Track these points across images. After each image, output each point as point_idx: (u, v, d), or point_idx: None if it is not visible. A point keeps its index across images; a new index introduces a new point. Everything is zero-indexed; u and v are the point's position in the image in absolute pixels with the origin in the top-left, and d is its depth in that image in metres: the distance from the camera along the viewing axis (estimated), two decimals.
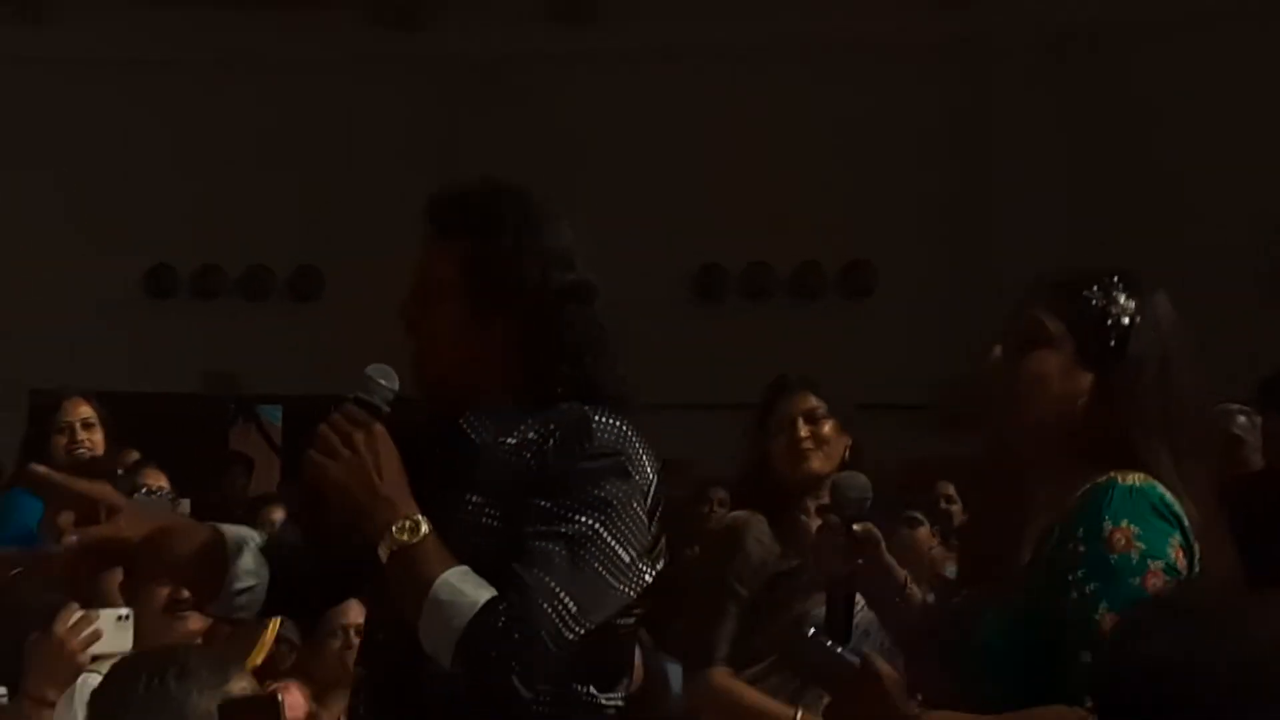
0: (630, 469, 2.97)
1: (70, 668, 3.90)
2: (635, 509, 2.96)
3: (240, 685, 2.92)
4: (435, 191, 3.14)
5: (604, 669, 3.03)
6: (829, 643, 2.89)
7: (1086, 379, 2.89)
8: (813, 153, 11.75)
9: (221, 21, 12.02)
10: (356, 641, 4.18)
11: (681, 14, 11.88)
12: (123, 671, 2.96)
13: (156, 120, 11.97)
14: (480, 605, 2.83)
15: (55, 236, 11.61)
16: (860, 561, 3.25)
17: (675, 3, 11.93)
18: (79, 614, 3.91)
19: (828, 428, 4.51)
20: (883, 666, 2.81)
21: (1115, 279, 2.92)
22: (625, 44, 12.05)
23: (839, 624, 3.21)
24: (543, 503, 2.91)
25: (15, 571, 4.79)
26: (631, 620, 3.07)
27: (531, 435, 2.99)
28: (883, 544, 3.29)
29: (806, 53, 11.79)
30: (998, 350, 2.95)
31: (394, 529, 2.89)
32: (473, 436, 3.05)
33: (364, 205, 11.93)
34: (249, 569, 3.13)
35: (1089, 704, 2.60)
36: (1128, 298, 2.91)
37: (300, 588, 3.24)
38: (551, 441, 2.97)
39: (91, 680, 4.11)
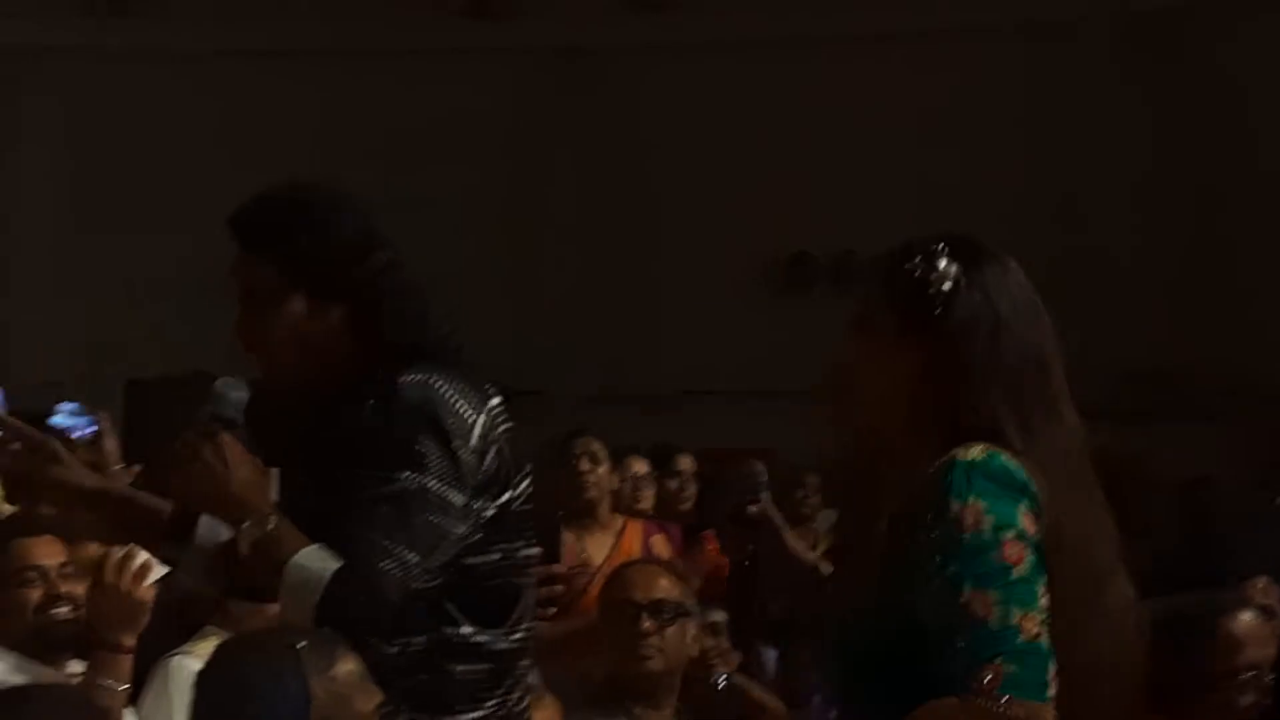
0: (442, 414, 3.19)
1: (135, 605, 4.10)
2: (456, 452, 3.19)
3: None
4: (238, 208, 3.39)
5: (475, 609, 3.25)
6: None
7: (915, 352, 2.82)
8: (896, 140, 11.63)
9: (302, 11, 12.01)
10: None
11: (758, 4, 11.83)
12: (230, 656, 3.10)
13: (250, 110, 12.01)
14: (327, 579, 3.10)
15: None
16: (753, 547, 3.23)
17: None
18: (121, 552, 4.10)
19: None
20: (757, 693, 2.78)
21: (941, 246, 2.85)
22: (703, 34, 11.98)
23: (741, 610, 3.19)
24: (365, 469, 3.16)
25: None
26: (496, 556, 3.27)
27: (354, 410, 3.24)
28: (783, 528, 3.26)
29: (886, 42, 11.71)
30: (835, 349, 2.91)
31: (244, 526, 3.19)
32: (314, 422, 3.34)
33: (444, 195, 11.91)
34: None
35: (975, 687, 2.61)
36: (949, 263, 2.83)
37: None
38: (366, 412, 3.22)
39: (188, 664, 4.30)
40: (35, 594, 4.43)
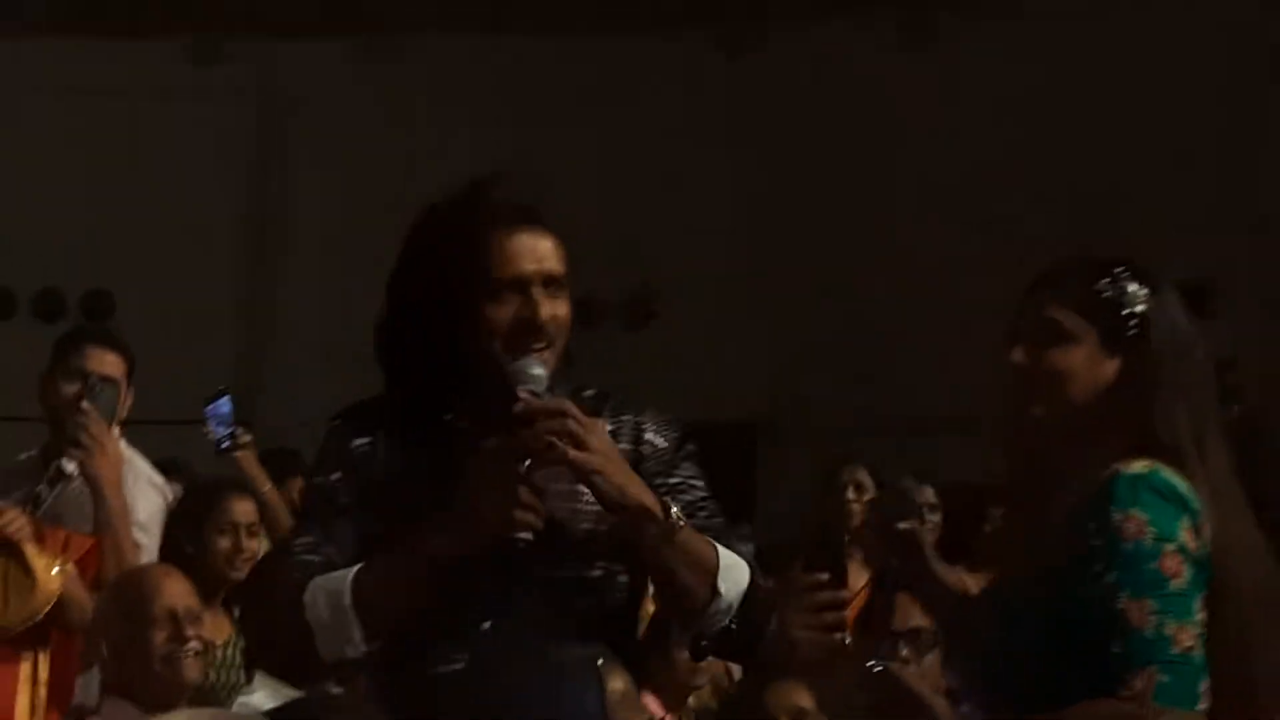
0: None
1: None
2: None
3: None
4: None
5: None
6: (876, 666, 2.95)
7: (1112, 367, 2.98)
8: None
9: (562, 52, 12.26)
10: None
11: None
12: None
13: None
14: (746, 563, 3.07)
15: None
16: (899, 561, 3.30)
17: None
18: None
19: None
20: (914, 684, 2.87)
21: (1123, 270, 3.01)
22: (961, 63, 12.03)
23: (879, 620, 3.27)
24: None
25: None
26: None
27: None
28: (926, 545, 3.33)
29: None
30: (1018, 352, 3.00)
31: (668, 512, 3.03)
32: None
33: (689, 227, 12.04)
34: None
35: (1124, 692, 2.73)
36: (1139, 286, 3.00)
37: None
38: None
39: None
40: (161, 636, 4.47)
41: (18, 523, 4.79)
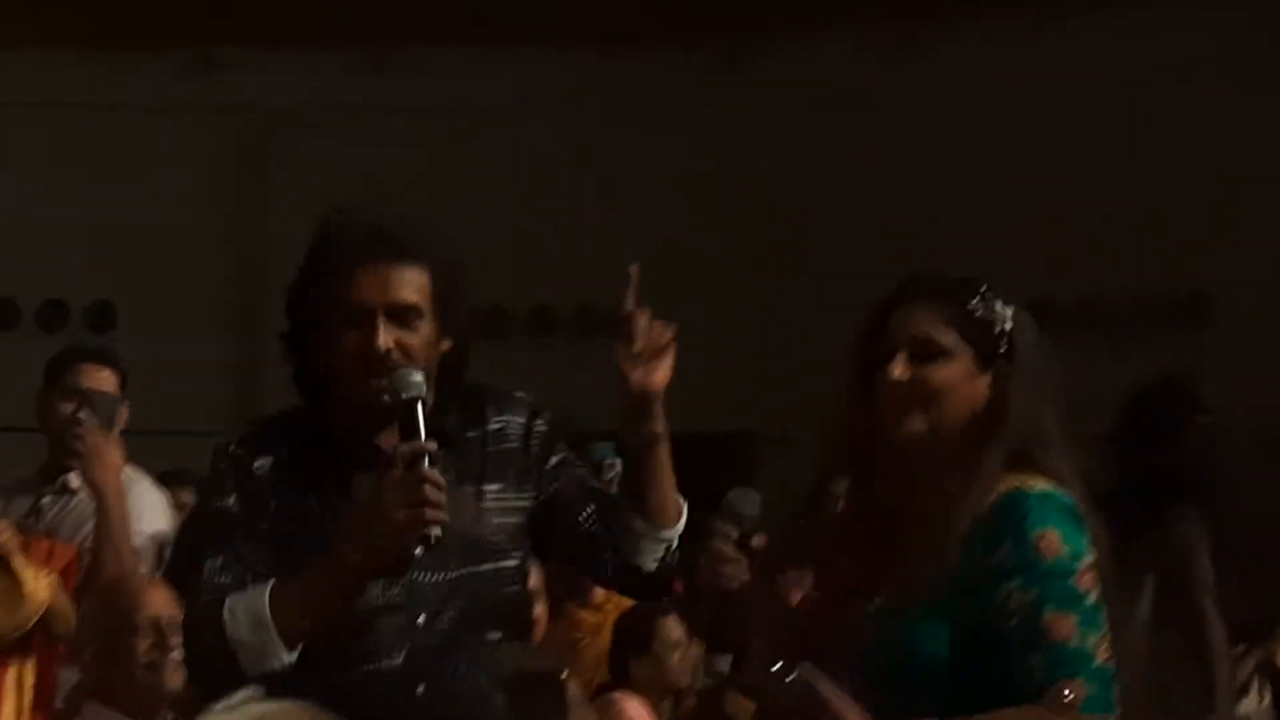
0: None
1: None
2: None
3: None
4: (377, 222, 3.50)
5: None
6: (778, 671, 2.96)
7: (983, 384, 3.07)
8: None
9: (554, 67, 12.27)
10: None
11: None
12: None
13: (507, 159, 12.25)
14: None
15: None
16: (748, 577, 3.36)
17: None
18: None
19: None
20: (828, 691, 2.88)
21: (987, 288, 3.11)
22: (956, 77, 12.03)
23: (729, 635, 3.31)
24: (576, 468, 3.72)
25: None
26: None
27: (501, 423, 3.55)
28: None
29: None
30: (898, 367, 3.06)
31: None
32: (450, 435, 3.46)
33: (700, 240, 12.07)
34: None
35: (1055, 704, 2.82)
36: (1003, 304, 3.10)
37: None
38: (528, 421, 3.63)
39: None
40: (145, 644, 4.51)
41: (5, 535, 4.83)
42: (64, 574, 5.04)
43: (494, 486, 3.46)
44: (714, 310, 12.03)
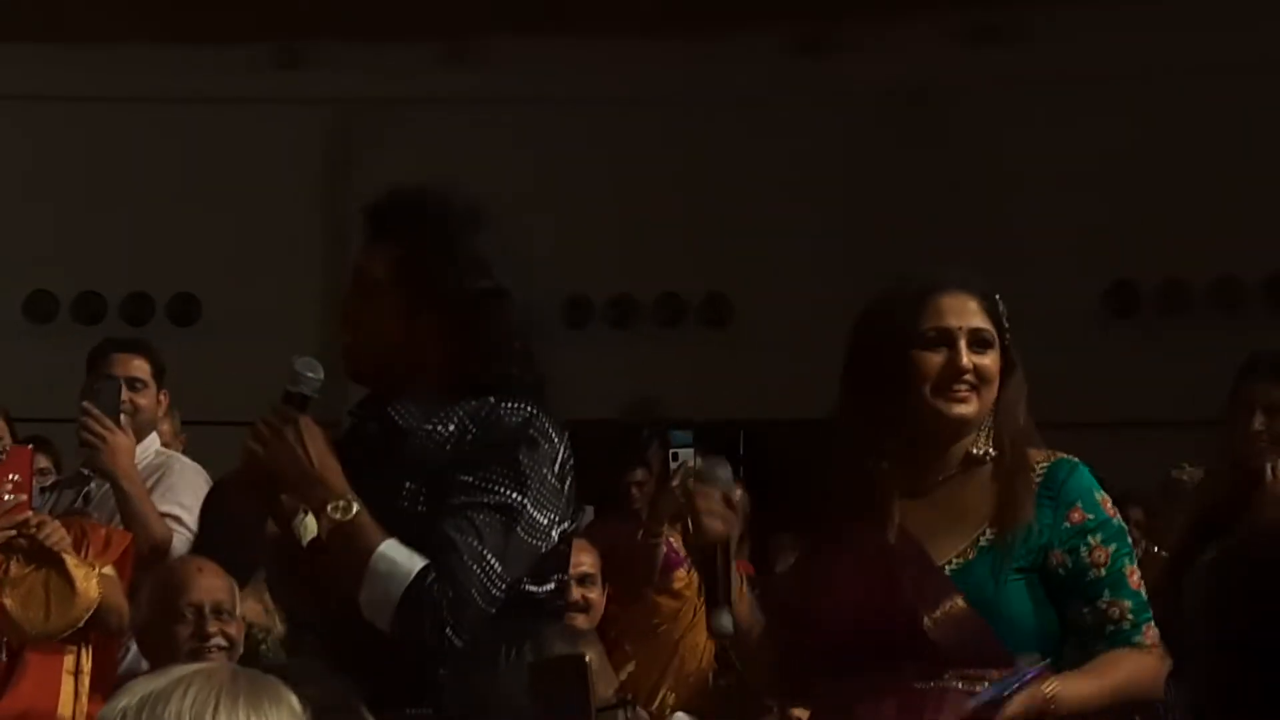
0: (539, 440, 3.33)
1: None
2: (547, 476, 3.32)
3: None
4: (374, 198, 3.56)
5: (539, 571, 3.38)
6: None
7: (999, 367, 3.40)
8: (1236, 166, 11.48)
9: (631, 53, 12.29)
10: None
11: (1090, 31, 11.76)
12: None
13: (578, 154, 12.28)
14: (414, 573, 3.20)
15: None
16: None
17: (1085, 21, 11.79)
18: None
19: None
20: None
21: (997, 296, 3.44)
22: (1033, 65, 11.97)
23: (722, 590, 3.33)
24: (465, 477, 3.27)
25: None
26: (551, 586, 3.42)
27: (451, 426, 3.34)
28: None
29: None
30: (960, 355, 3.36)
31: (329, 508, 3.25)
32: (399, 422, 3.39)
33: (770, 236, 12.09)
34: None
35: (1145, 643, 3.21)
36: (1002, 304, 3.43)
37: None
38: (470, 428, 3.32)
39: None
40: (187, 630, 4.58)
41: (58, 534, 4.91)
42: (120, 561, 5.10)
43: (412, 485, 3.41)
44: (796, 297, 12.06)
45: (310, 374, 3.41)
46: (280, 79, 12.45)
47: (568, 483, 3.42)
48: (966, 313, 3.36)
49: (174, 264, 12.37)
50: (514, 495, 3.30)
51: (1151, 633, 3.23)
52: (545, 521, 3.35)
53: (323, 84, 12.43)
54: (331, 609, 3.36)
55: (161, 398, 5.84)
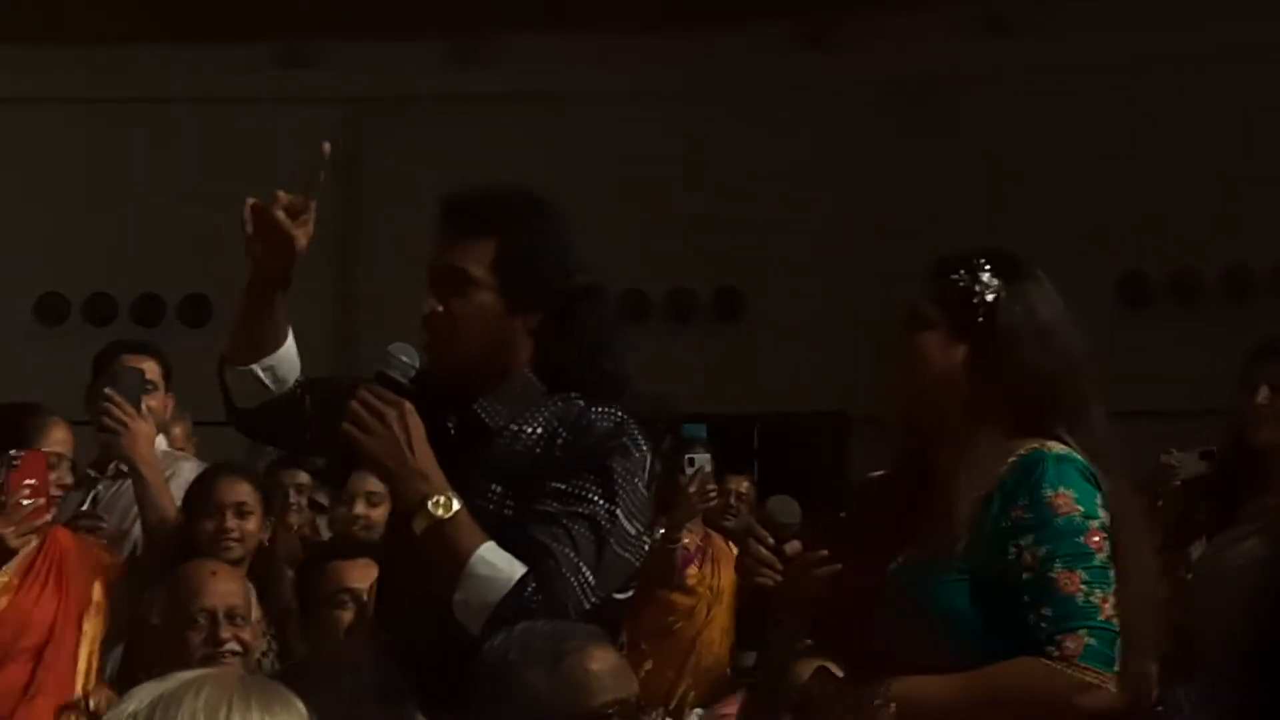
0: (631, 448, 3.27)
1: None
2: (638, 485, 3.27)
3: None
4: (452, 192, 3.46)
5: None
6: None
7: (960, 351, 3.23)
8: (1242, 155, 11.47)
9: (638, 48, 12.29)
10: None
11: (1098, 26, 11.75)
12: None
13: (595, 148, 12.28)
14: (515, 580, 3.14)
15: None
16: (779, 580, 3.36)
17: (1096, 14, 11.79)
18: None
19: None
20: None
21: (982, 261, 3.27)
22: (1043, 56, 11.96)
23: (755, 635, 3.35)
24: (557, 484, 3.20)
25: None
26: (631, 593, 3.38)
27: (539, 428, 3.28)
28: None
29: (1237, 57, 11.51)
30: (895, 336, 3.30)
31: (429, 504, 3.17)
32: (486, 421, 3.33)
33: (780, 230, 12.09)
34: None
35: (1055, 653, 3.03)
36: (992, 276, 3.24)
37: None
38: (560, 432, 3.25)
39: None
40: (199, 635, 4.48)
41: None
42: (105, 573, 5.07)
43: (497, 487, 3.34)
44: (808, 290, 12.07)
45: (405, 358, 3.34)
46: (288, 78, 12.47)
47: (653, 489, 3.39)
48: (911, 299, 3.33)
49: (184, 265, 12.37)
50: (607, 505, 3.24)
51: (1071, 644, 3.03)
52: (634, 532, 3.30)
53: (330, 83, 12.43)
54: (415, 602, 3.33)
55: (167, 400, 5.84)
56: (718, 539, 7.18)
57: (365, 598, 4.48)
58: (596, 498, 3.24)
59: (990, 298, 3.24)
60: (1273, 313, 11.37)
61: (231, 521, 5.20)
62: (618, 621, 3.39)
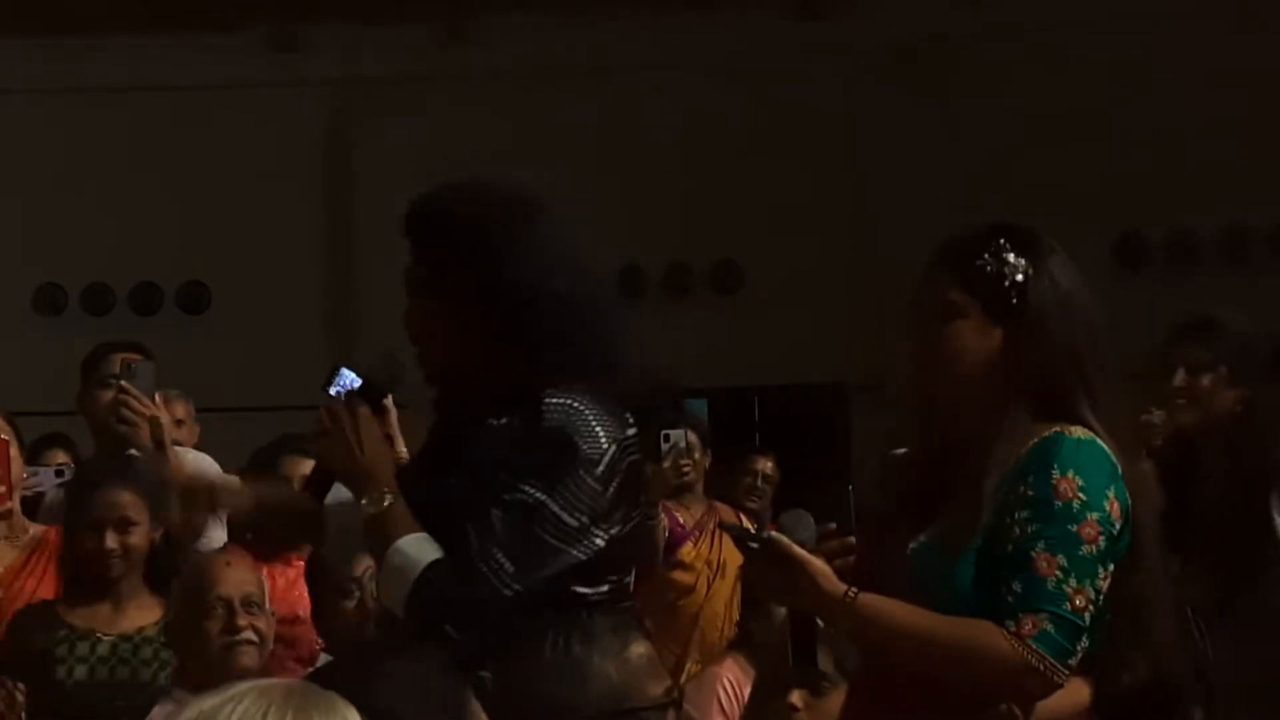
0: (577, 440, 3.32)
1: None
2: (583, 477, 3.32)
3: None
4: (411, 200, 3.54)
5: (587, 573, 3.35)
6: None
7: (997, 336, 3.20)
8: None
9: (629, 22, 12.27)
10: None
11: None
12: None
13: (589, 122, 12.26)
14: (422, 567, 3.28)
15: None
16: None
17: None
18: None
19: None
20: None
21: (1002, 241, 3.21)
22: (1030, 20, 11.94)
23: (805, 650, 3.32)
24: (492, 475, 3.31)
25: None
26: (605, 589, 3.38)
27: (500, 426, 3.37)
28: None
29: None
30: (917, 329, 3.26)
31: (364, 500, 3.39)
32: (454, 422, 3.48)
33: (776, 200, 12.08)
34: None
35: (1012, 627, 3.01)
36: (1017, 256, 3.21)
37: None
38: (515, 428, 3.35)
39: None
40: (216, 625, 4.48)
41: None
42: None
43: (455, 483, 3.43)
44: (805, 261, 12.06)
45: (389, 366, 3.57)
46: (279, 62, 12.45)
47: (614, 483, 3.37)
48: (929, 284, 3.29)
49: (181, 252, 12.37)
50: (537, 495, 3.30)
51: (1029, 624, 3.02)
52: (576, 524, 3.32)
53: (321, 66, 12.42)
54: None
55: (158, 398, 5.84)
56: (727, 514, 7.17)
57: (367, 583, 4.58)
58: (528, 486, 3.31)
59: (1020, 278, 3.21)
60: (1271, 272, 11.40)
61: (112, 541, 4.97)
62: (591, 613, 3.39)
